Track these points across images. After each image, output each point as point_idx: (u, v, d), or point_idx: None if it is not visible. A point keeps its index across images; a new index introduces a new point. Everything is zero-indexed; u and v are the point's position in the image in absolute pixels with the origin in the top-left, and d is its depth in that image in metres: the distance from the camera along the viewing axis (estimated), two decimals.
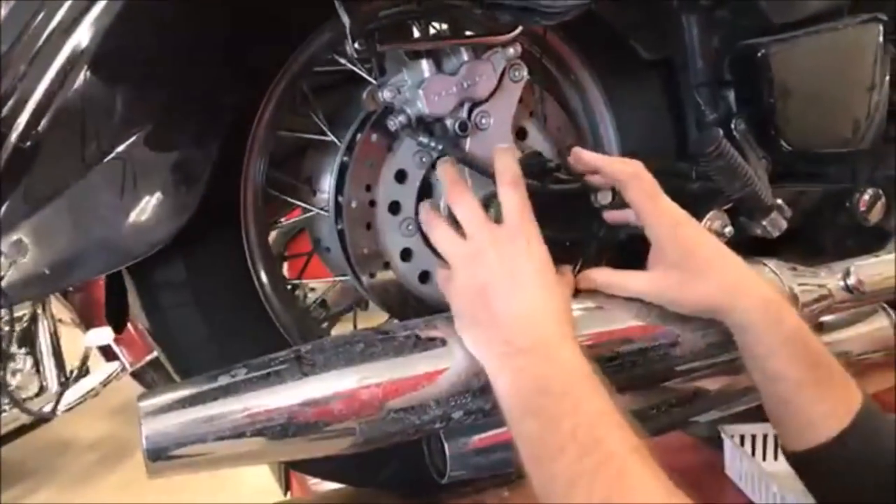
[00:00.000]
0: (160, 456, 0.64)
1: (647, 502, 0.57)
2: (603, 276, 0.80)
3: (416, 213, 0.91)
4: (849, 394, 0.73)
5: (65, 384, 3.02)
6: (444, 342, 0.72)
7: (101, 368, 3.05)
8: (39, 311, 3.04)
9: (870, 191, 1.16)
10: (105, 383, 3.08)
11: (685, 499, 0.58)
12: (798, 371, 0.73)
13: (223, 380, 0.67)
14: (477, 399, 0.72)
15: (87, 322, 3.19)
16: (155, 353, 3.33)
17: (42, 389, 2.94)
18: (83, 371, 3.02)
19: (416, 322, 0.75)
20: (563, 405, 0.62)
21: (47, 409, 2.85)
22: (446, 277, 0.74)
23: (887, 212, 1.18)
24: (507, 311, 0.68)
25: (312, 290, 1.35)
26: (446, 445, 0.81)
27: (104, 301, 1.02)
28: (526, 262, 0.71)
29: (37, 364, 2.98)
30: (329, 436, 0.69)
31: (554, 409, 0.62)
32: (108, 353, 3.11)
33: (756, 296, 0.75)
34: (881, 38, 1.10)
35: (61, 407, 2.91)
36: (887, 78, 1.12)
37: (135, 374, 3.30)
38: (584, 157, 0.84)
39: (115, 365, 3.09)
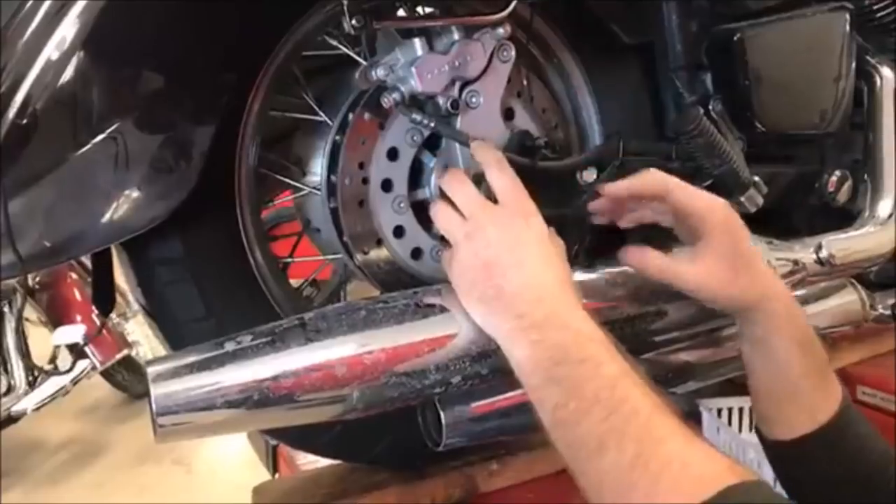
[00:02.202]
0: (168, 421, 0.65)
1: (677, 452, 0.59)
2: (656, 261, 0.79)
3: (409, 192, 0.93)
4: (836, 386, 0.77)
5: (32, 383, 2.98)
6: (443, 309, 0.74)
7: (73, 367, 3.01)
8: (6, 309, 2.99)
9: (837, 172, 1.20)
10: (75, 382, 3.04)
11: (707, 446, 0.60)
12: (804, 363, 0.76)
13: (229, 346, 0.69)
14: (475, 364, 0.74)
15: (54, 321, 3.14)
16: (125, 352, 3.30)
17: (10, 388, 2.90)
18: (52, 369, 2.98)
19: (417, 290, 0.77)
20: (582, 371, 0.63)
21: (16, 408, 2.81)
22: (449, 257, 0.75)
23: (853, 193, 1.23)
24: (515, 286, 0.69)
25: None
26: (442, 414, 0.83)
27: (92, 282, 1.02)
28: (526, 236, 0.72)
29: (4, 363, 2.93)
30: (333, 400, 0.70)
31: (574, 375, 0.63)
32: (76, 351, 3.07)
33: (782, 291, 0.78)
34: (848, 27, 1.15)
35: (30, 406, 2.87)
36: (854, 65, 1.17)
37: (105, 373, 3.27)
38: (613, 188, 0.83)
39: (85, 363, 3.05)
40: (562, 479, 1.09)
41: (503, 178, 0.77)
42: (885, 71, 1.23)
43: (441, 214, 0.77)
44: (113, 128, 0.76)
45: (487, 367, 0.74)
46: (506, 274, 0.70)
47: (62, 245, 0.75)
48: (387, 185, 0.93)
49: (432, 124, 0.87)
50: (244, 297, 0.90)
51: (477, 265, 0.72)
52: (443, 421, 0.83)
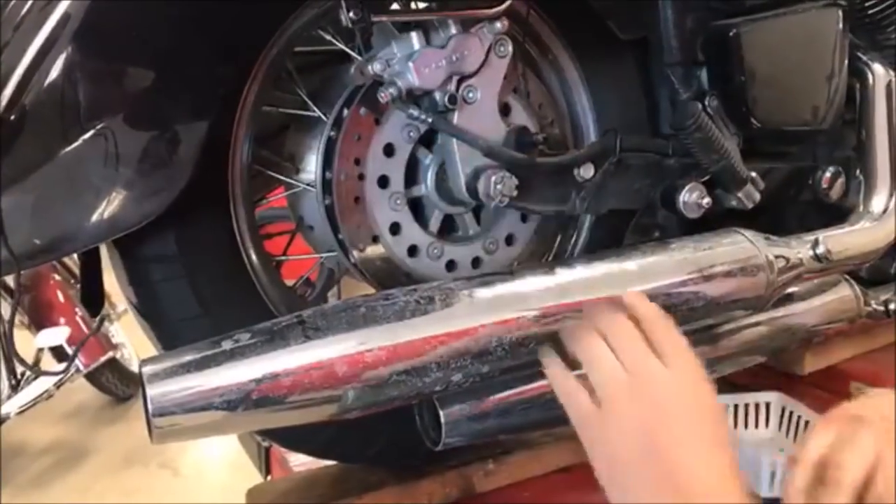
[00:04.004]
0: (165, 422, 0.64)
1: None
2: None
3: (405, 188, 0.93)
4: None
5: (16, 386, 2.93)
6: (444, 306, 0.73)
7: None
8: None
9: (831, 169, 1.20)
10: (59, 385, 2.99)
11: None
12: None
13: (227, 345, 0.67)
14: (477, 362, 0.73)
15: (37, 323, 3.10)
16: (110, 354, 3.27)
17: None
18: (36, 372, 2.93)
19: (416, 287, 0.76)
20: None
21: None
22: (591, 411, 0.63)
23: (846, 189, 1.23)
24: (688, 471, 0.59)
25: None
26: (441, 413, 0.82)
27: (80, 282, 1.00)
28: (702, 409, 0.62)
29: None
30: (332, 399, 0.69)
31: None
32: (60, 354, 3.03)
33: None
34: (841, 24, 1.15)
35: (14, 410, 2.82)
36: (846, 62, 1.18)
37: (89, 376, 3.23)
38: None
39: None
40: (558, 479, 1.09)
41: (675, 337, 0.66)
42: (877, 68, 1.23)
43: (597, 352, 0.65)
44: (104, 123, 0.74)
45: (489, 365, 0.74)
46: (679, 454, 0.60)
47: (53, 243, 0.74)
48: (383, 182, 0.92)
49: (430, 120, 0.86)
50: (239, 295, 0.88)
51: (643, 433, 0.61)
52: (442, 420, 0.82)
